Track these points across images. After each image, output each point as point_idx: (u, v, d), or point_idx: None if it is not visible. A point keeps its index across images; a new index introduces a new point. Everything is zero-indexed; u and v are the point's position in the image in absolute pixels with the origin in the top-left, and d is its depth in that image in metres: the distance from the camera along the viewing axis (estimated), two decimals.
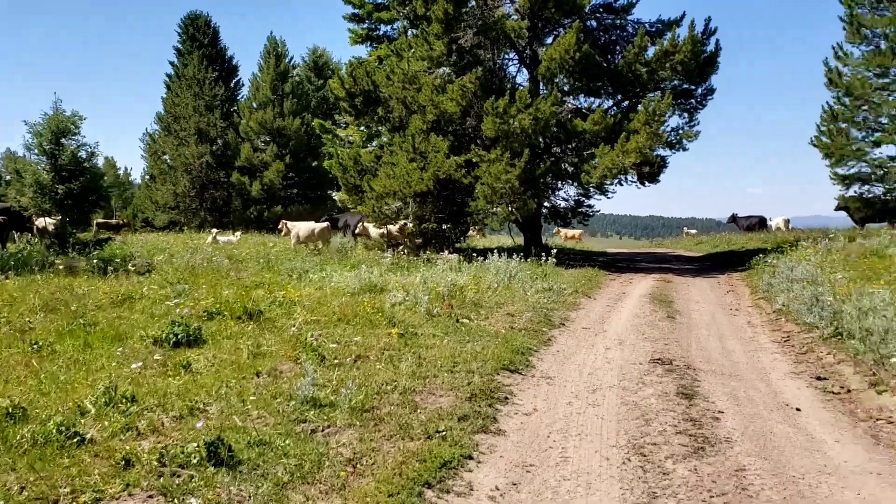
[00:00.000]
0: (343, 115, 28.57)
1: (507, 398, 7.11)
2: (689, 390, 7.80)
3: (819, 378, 8.71)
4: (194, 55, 46.19)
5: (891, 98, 27.62)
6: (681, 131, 22.76)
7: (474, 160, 21.63)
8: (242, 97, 50.42)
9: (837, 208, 30.18)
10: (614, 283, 18.06)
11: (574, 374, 8.46)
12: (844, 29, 28.68)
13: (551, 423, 6.47)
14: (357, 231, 26.32)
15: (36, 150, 20.81)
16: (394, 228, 24.21)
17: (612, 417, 6.72)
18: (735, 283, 17.77)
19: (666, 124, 20.98)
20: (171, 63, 49.67)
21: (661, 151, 23.13)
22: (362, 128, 29.65)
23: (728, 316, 13.22)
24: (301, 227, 24.12)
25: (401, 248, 24.26)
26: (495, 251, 18.19)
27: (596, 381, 8.09)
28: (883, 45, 27.74)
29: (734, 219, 35.97)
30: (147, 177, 49.72)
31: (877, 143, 27.93)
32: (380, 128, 26.03)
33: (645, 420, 6.66)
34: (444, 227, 25.32)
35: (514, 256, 18.56)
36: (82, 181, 20.90)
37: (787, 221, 37.07)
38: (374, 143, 28.49)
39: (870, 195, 28.64)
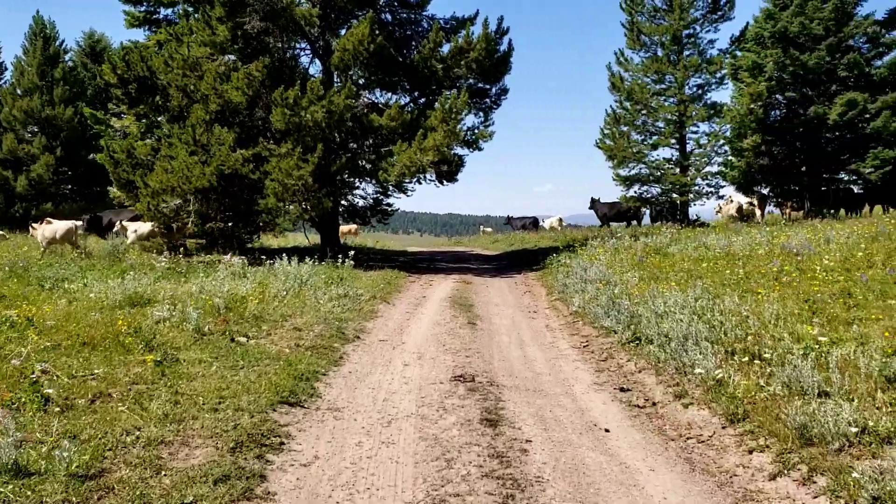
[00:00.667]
0: (119, 104, 25.73)
1: (282, 444, 5.80)
2: (494, 414, 6.92)
3: (622, 389, 8.20)
4: None
5: (666, 103, 29.06)
6: (476, 130, 22.47)
7: (264, 154, 20.02)
8: (5, 82, 44.95)
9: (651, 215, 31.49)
10: (415, 285, 17.21)
11: (367, 401, 7.33)
12: (626, 35, 29.86)
13: (335, 476, 5.27)
14: (116, 231, 23.77)
15: None
16: (145, 228, 22.04)
17: (408, 460, 5.65)
18: (531, 283, 17.52)
19: (463, 123, 20.50)
20: None
21: (458, 150, 22.71)
22: (140, 118, 26.97)
23: (527, 319, 12.72)
24: (46, 228, 21.22)
25: (181, 250, 22.15)
26: (285, 254, 16.72)
27: (392, 410, 7.01)
28: (660, 53, 29.14)
29: (509, 220, 36.74)
30: None
31: (654, 146, 29.27)
32: (158, 118, 23.56)
33: (446, 461, 5.65)
34: (231, 226, 23.42)
35: (309, 258, 17.26)
36: None
37: (560, 221, 38.58)
38: (154, 136, 25.84)
39: (648, 195, 30.00)
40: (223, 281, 13.50)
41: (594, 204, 33.40)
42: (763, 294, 10.61)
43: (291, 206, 19.58)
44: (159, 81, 22.30)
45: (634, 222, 32.85)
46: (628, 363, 9.16)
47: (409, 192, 24.52)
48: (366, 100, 22.34)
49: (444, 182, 24.28)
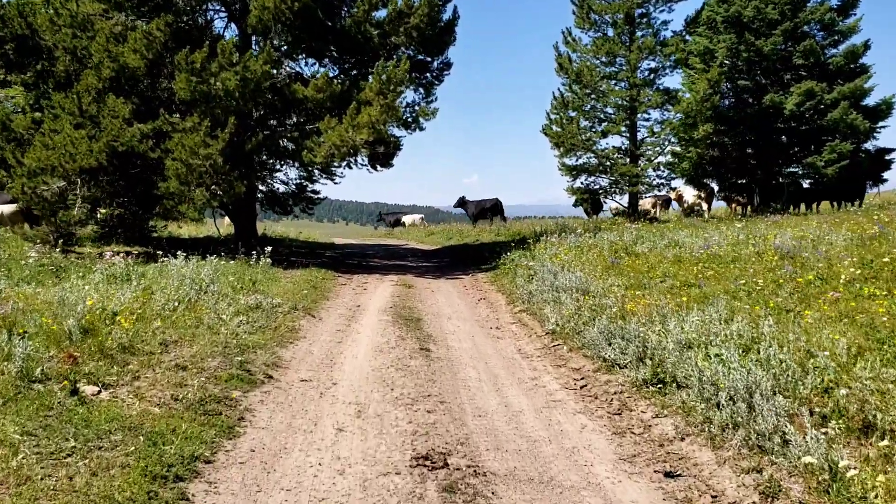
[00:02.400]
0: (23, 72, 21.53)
1: None
2: None
3: (669, 475, 5.33)
4: None
5: (617, 87, 26.56)
6: (417, 108, 19.30)
7: (165, 129, 16.46)
8: None
9: (577, 203, 28.83)
10: (346, 289, 14.05)
11: None
12: (574, 13, 27.18)
13: None
14: None
15: None
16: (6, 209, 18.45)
17: None
18: (484, 288, 14.57)
19: (402, 97, 17.39)
20: None
21: (395, 131, 19.60)
22: (29, 89, 22.82)
23: (492, 340, 9.76)
24: None
25: (64, 241, 18.41)
26: (183, 251, 13.31)
27: None
28: (611, 32, 26.58)
29: (462, 203, 33.86)
30: None
31: (604, 134, 26.74)
32: (46, 86, 19.58)
33: None
34: (130, 213, 19.72)
35: (216, 254, 13.95)
36: None
37: (422, 219, 38.80)
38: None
39: (595, 186, 27.50)
40: (95, 286, 10.10)
41: (463, 202, 33.82)
42: (809, 315, 7.92)
43: (197, 191, 16.07)
44: (44, 42, 18.45)
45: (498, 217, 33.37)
46: (658, 422, 6.30)
47: (338, 179, 21.30)
48: (289, 69, 18.95)
49: (378, 168, 21.14)
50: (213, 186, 16.29)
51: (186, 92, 15.93)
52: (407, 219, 38.55)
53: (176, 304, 9.49)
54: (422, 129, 19.19)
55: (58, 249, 15.79)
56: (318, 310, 11.29)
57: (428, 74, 20.03)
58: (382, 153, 18.33)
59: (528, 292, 12.02)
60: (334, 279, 15.26)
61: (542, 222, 29.87)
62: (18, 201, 19.17)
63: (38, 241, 19.18)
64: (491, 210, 32.71)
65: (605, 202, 30.18)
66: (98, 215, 19.60)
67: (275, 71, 16.76)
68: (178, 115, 16.83)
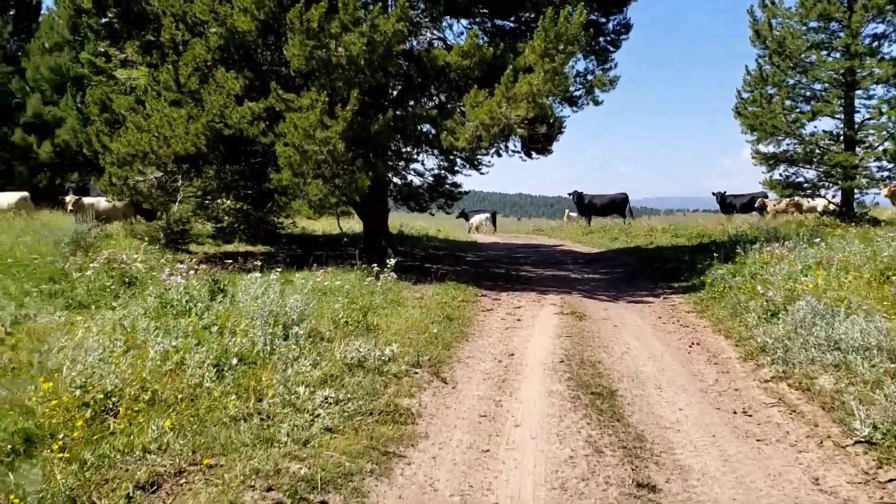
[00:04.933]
0: (122, 47, 19.24)
1: None
2: None
3: None
4: None
5: (830, 58, 21.11)
6: (590, 77, 15.06)
7: (277, 108, 13.21)
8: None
9: (784, 195, 23.48)
10: (492, 319, 10.12)
11: None
12: None
13: None
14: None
15: None
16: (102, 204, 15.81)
17: None
18: (689, 321, 10.16)
19: (573, 62, 13.30)
20: None
21: (559, 110, 15.53)
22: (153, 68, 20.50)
23: (751, 448, 5.46)
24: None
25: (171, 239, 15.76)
26: (254, 264, 9.89)
27: None
28: None
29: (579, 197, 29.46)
30: None
31: (812, 115, 21.36)
32: (150, 58, 16.92)
33: None
34: (247, 207, 16.77)
35: (339, 259, 10.59)
36: None
37: (488, 218, 34.42)
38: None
39: (798, 179, 22.11)
40: (132, 323, 6.79)
41: (580, 197, 30.35)
42: None
43: (313, 183, 12.71)
44: (150, 7, 15.78)
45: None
46: None
47: (484, 169, 17.37)
48: (429, 35, 15.28)
49: (533, 154, 17.15)
50: (332, 178, 12.86)
51: (301, 59, 12.58)
52: (475, 219, 33.70)
53: (236, 360, 5.95)
54: (597, 102, 14.92)
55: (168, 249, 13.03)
56: (450, 364, 7.41)
57: (601, 39, 15.73)
58: (543, 135, 14.29)
59: (774, 339, 7.63)
60: (476, 301, 11.39)
61: (702, 221, 24.88)
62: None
63: (148, 239, 16.67)
64: (614, 206, 28.03)
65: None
66: (211, 210, 16.76)
67: (408, 29, 13.07)
68: (293, 93, 13.53)
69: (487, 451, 5.23)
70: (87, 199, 18.31)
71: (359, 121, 12.83)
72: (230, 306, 7.80)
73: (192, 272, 9.58)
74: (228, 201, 17.67)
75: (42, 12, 36.97)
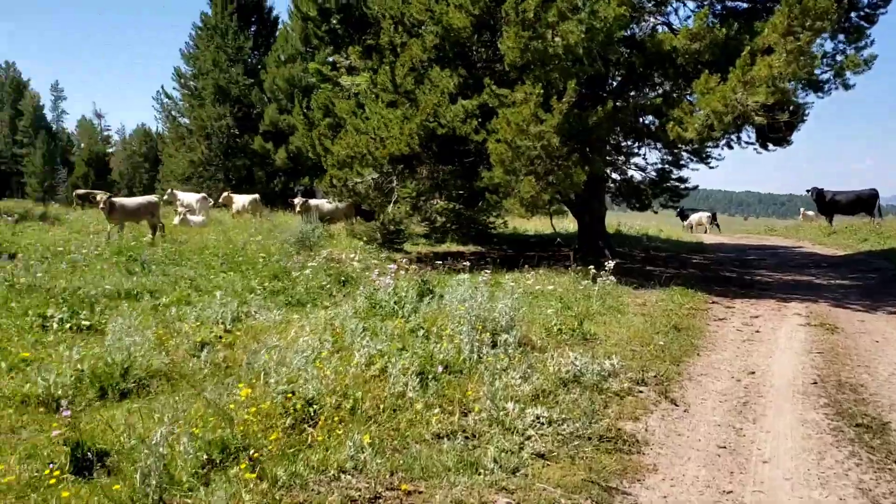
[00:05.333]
0: (346, 53, 20.03)
1: None
2: None
3: None
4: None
5: None
6: (840, 58, 13.19)
7: (491, 104, 12.89)
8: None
9: None
10: (725, 330, 8.97)
11: None
12: None
13: None
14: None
15: None
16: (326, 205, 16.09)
17: None
18: None
19: (821, 40, 11.67)
20: (203, 14, 41.91)
21: (802, 96, 13.83)
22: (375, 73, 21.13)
23: None
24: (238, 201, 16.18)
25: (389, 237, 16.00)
26: (461, 264, 9.46)
27: None
28: None
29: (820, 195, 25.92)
30: (166, 142, 42.62)
31: None
32: (371, 62, 17.33)
33: None
34: (459, 207, 16.63)
35: (551, 261, 10.05)
36: None
37: (710, 217, 31.83)
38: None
39: None
40: (342, 323, 6.65)
41: (821, 194, 25.57)
42: None
43: (525, 180, 12.20)
44: (370, 11, 16.17)
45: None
46: None
47: (714, 162, 15.91)
48: (652, 20, 14.21)
49: (769, 146, 15.43)
50: (545, 175, 12.29)
51: (515, 52, 12.12)
52: (693, 217, 31.23)
53: (442, 368, 5.54)
54: (847, 86, 13.00)
55: (381, 247, 13.25)
56: (680, 382, 6.51)
57: (853, 14, 13.77)
58: (784, 123, 12.68)
59: None
60: (707, 308, 10.24)
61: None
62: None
63: (365, 238, 17.12)
64: (861, 204, 24.47)
65: None
66: (424, 210, 16.84)
67: (629, 13, 12.15)
68: (506, 88, 13.13)
69: (730, 492, 4.36)
70: (312, 201, 19.20)
71: (575, 113, 12.13)
72: (437, 309, 7.46)
73: (401, 272, 9.43)
74: (441, 201, 17.70)
75: (279, 27, 39.89)
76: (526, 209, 12.46)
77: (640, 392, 6.01)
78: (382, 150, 12.89)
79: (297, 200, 18.90)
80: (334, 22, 16.36)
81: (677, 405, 5.86)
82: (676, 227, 30.89)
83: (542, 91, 11.75)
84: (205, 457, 3.73)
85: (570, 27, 11.74)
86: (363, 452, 4.01)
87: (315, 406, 4.46)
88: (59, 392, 4.76)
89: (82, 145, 65.09)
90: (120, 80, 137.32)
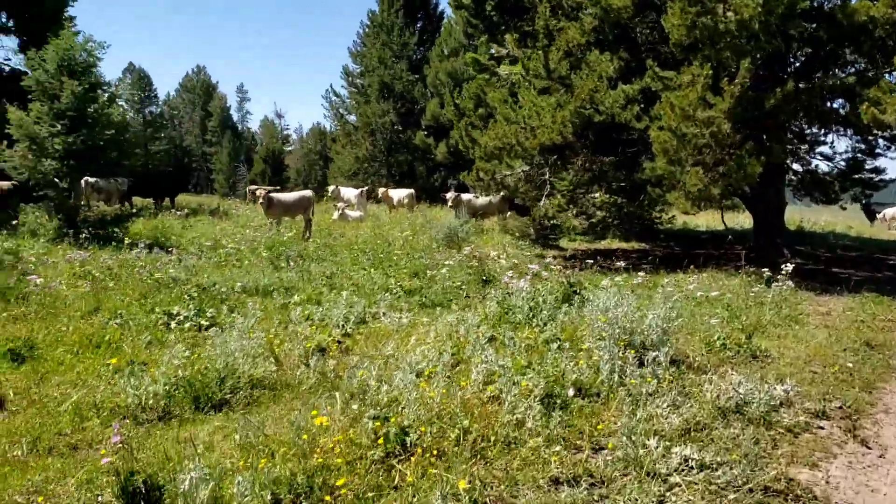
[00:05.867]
0: (502, 40, 19.39)
1: None
2: None
3: None
4: None
5: None
6: None
7: (654, 88, 11.78)
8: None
9: None
10: None
11: None
12: None
13: None
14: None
15: (35, 89, 14.23)
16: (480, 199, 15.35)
17: None
18: None
19: None
20: (370, 11, 42.79)
21: None
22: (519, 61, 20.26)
23: None
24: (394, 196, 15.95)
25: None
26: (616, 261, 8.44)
27: None
28: None
29: None
30: (332, 140, 43.96)
31: None
32: (526, 49, 16.52)
33: None
34: (621, 201, 15.47)
35: (721, 261, 8.94)
36: (87, 133, 13.90)
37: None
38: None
39: None
40: (468, 329, 5.98)
41: None
42: None
43: (691, 171, 10.98)
44: None
45: None
46: None
47: None
48: None
49: None
50: (714, 166, 11.00)
51: (681, 30, 10.94)
52: (888, 212, 26.28)
53: (565, 397, 4.72)
54: None
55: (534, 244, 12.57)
56: (873, 416, 5.26)
57: None
58: None
59: None
60: None
61: None
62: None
63: (518, 234, 16.44)
64: None
65: None
66: (581, 204, 15.84)
67: None
68: (671, 70, 11.93)
69: None
70: (464, 196, 18.75)
71: (750, 96, 10.77)
72: (578, 317, 6.59)
73: (544, 272, 8.63)
74: (600, 194, 16.64)
75: (444, 21, 39.95)
76: (692, 204, 11.22)
77: (821, 428, 4.88)
78: (533, 141, 12.10)
79: (450, 195, 18.50)
80: (489, 9, 15.73)
81: (869, 448, 4.70)
82: (868, 223, 27.67)
83: (711, 72, 10.52)
84: (269, 497, 3.19)
85: (743, 1, 10.40)
86: (459, 502, 3.31)
87: (412, 435, 3.81)
88: (151, 402, 4.44)
89: (262, 143, 69.10)
90: (299, 80, 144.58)
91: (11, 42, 46.73)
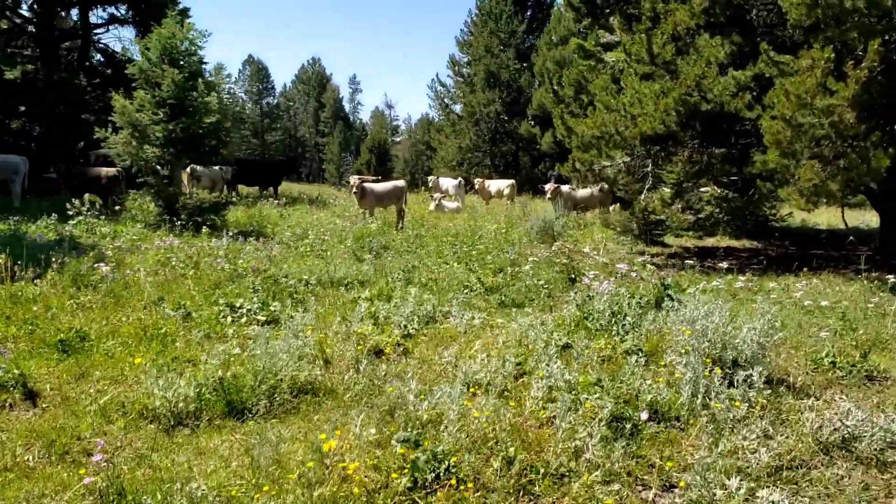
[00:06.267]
0: (607, 22, 18.53)
1: None
2: None
3: None
4: None
5: None
6: None
7: (769, 75, 10.78)
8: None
9: None
10: None
11: None
12: None
13: None
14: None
15: (138, 78, 14.58)
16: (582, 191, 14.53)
17: None
18: None
19: None
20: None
21: None
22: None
23: None
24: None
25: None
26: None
27: None
28: None
29: None
30: (437, 130, 43.77)
31: None
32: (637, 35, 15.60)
33: None
34: (734, 195, 14.39)
35: (829, 268, 8.06)
36: (186, 121, 14.11)
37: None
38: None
39: None
40: (538, 335, 5.45)
41: None
42: None
43: (807, 165, 9.95)
44: None
45: None
46: None
47: None
48: None
49: None
50: (833, 159, 9.94)
51: (801, 9, 9.93)
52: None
53: (636, 421, 4.13)
54: None
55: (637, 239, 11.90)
56: None
57: None
58: None
59: None
60: None
61: None
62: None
63: (619, 229, 15.63)
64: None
65: None
66: (687, 198, 14.88)
67: None
68: (788, 54, 10.89)
69: None
70: (564, 188, 18.03)
71: (879, 82, 9.65)
72: (665, 325, 5.92)
73: (637, 272, 7.95)
74: (711, 188, 15.58)
75: (553, 8, 39.03)
76: (806, 200, 10.18)
77: None
78: (633, 130, 11.33)
79: (548, 186, 17.82)
80: None
81: None
82: None
83: (833, 56, 9.47)
84: None
85: None
86: None
87: (446, 463, 3.35)
88: (182, 405, 4.17)
89: (370, 134, 70.08)
90: (410, 71, 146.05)
91: (129, 33, 48.82)
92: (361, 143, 73.50)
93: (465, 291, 8.26)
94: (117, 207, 14.17)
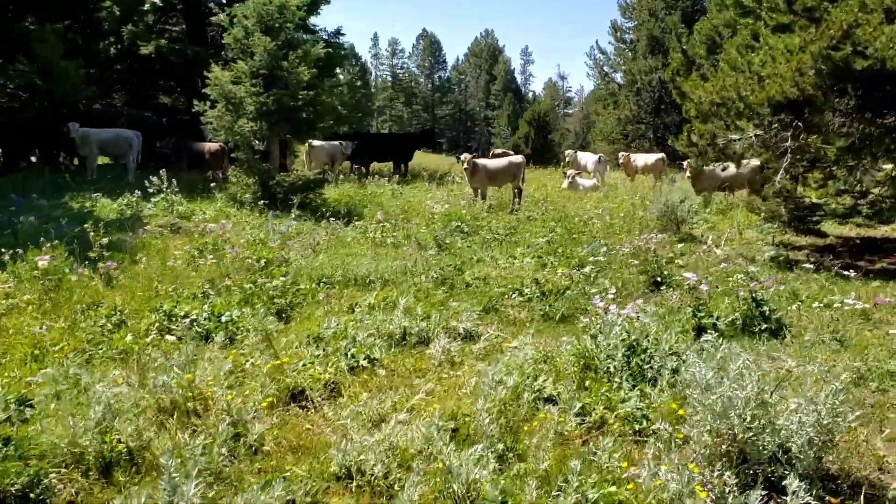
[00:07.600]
0: None
1: None
2: None
3: None
4: None
5: None
6: None
7: None
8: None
9: None
10: None
11: None
12: None
13: None
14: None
15: (234, 48, 14.02)
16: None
17: None
18: None
19: None
20: None
21: None
22: None
23: None
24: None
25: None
26: None
27: None
28: None
29: None
30: (595, 101, 41.21)
31: None
32: None
33: None
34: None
35: None
36: (278, 93, 13.32)
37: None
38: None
39: None
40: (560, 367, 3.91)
41: None
42: None
43: None
44: None
45: None
46: None
47: None
48: None
49: None
50: None
51: None
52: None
53: None
54: None
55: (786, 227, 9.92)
56: None
57: None
58: None
59: None
60: None
61: None
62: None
63: (765, 215, 13.22)
64: None
65: None
66: (844, 179, 12.19)
67: None
68: None
69: None
70: (706, 167, 15.61)
71: None
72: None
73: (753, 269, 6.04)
74: (885, 165, 12.73)
75: None
76: None
77: None
78: (759, 94, 9.08)
79: (687, 163, 15.52)
80: None
81: None
82: None
83: None
84: None
85: None
86: None
87: None
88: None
89: (531, 106, 68.18)
90: (583, 43, 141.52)
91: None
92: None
93: (514, 296, 6.74)
94: (212, 184, 13.76)
